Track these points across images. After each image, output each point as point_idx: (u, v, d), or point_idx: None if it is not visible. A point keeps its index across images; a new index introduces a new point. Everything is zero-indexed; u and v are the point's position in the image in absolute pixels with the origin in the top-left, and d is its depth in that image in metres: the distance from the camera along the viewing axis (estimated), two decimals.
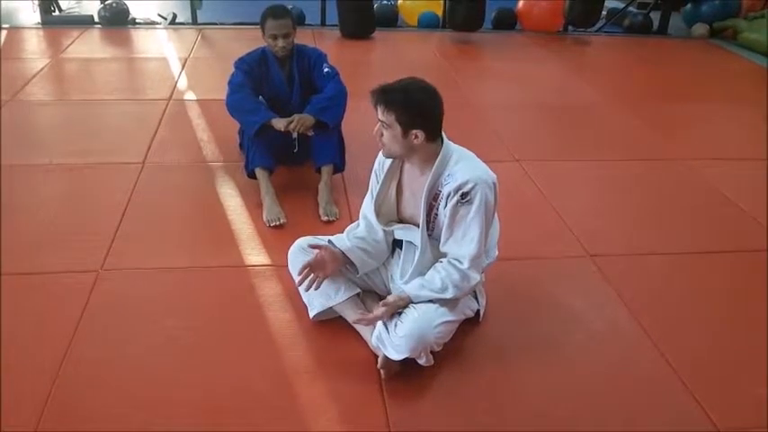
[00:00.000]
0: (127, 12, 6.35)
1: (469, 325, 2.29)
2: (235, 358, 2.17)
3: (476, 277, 2.09)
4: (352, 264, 2.23)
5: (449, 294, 2.07)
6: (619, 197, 3.44)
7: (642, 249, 2.91)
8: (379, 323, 2.09)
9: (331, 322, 2.29)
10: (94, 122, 4.05)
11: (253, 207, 3.06)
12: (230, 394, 2.02)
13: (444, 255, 2.13)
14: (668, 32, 7.03)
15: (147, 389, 2.02)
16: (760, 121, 4.53)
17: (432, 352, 2.08)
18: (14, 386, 2.00)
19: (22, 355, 2.13)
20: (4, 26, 6.07)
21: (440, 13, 6.71)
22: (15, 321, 2.27)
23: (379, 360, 2.07)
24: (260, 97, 3.30)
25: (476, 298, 2.29)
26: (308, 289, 2.18)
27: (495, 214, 2.17)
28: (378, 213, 2.25)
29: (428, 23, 6.81)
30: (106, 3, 6.29)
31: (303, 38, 4.04)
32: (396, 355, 2.02)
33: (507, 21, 6.89)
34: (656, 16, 7.07)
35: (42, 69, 4.96)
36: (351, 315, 2.23)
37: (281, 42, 3.14)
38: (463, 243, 2.05)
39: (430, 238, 2.16)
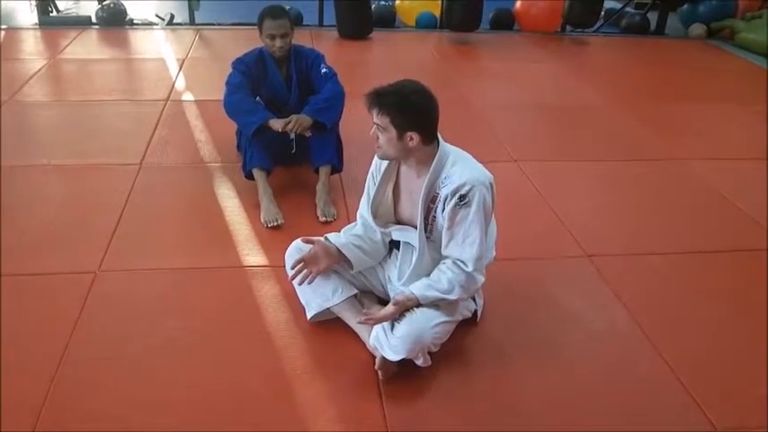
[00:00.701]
0: (124, 12, 6.35)
1: (467, 325, 2.29)
2: (232, 359, 2.17)
3: (481, 279, 2.10)
4: (347, 261, 2.23)
5: (454, 296, 2.07)
6: (617, 197, 3.44)
7: (640, 249, 2.91)
8: (377, 324, 2.09)
9: (329, 323, 2.28)
10: (92, 123, 4.04)
11: (250, 208, 3.06)
12: (228, 395, 2.01)
13: (442, 256, 2.13)
14: (665, 33, 7.04)
15: (145, 389, 2.02)
16: (758, 120, 4.54)
17: (429, 353, 2.08)
18: (12, 387, 1.99)
19: (20, 355, 2.12)
20: (2, 27, 6.06)
21: (437, 13, 6.71)
22: (13, 322, 2.27)
23: (377, 361, 2.07)
24: (257, 98, 3.30)
25: (473, 298, 2.30)
26: (300, 283, 2.18)
27: (493, 215, 2.17)
28: (375, 215, 2.25)
29: (426, 24, 6.82)
30: (104, 3, 6.28)
31: (301, 38, 4.05)
32: (393, 356, 2.02)
33: (505, 21, 6.90)
34: (653, 17, 7.08)
35: (40, 70, 4.95)
36: (348, 316, 2.23)
37: (278, 42, 3.14)
38: (465, 246, 2.05)
39: (428, 240, 2.16)
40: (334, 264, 2.22)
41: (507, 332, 2.34)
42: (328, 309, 2.25)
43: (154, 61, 5.35)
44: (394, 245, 2.29)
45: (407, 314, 2.05)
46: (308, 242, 2.21)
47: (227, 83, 3.22)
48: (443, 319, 2.09)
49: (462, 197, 2.01)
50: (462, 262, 2.07)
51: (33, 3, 6.26)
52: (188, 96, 4.54)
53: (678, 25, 7.24)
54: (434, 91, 2.03)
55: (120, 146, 3.69)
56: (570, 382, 2.13)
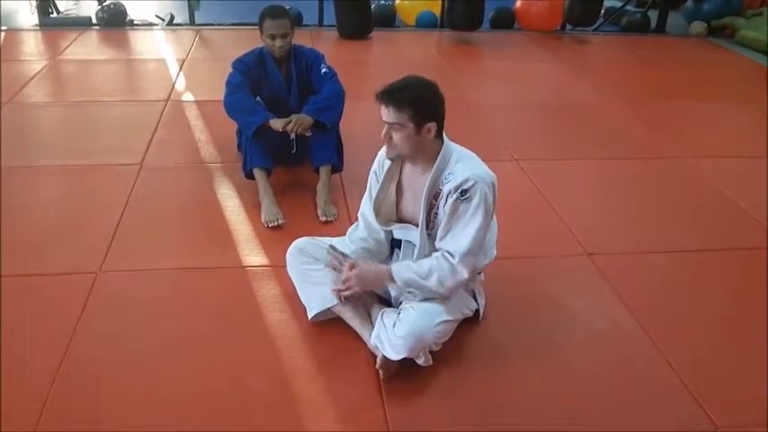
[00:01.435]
0: (124, 13, 6.35)
1: (468, 324, 2.29)
2: (233, 359, 2.17)
3: (464, 273, 2.06)
4: None
5: (432, 283, 2.05)
6: (617, 196, 3.44)
7: (641, 248, 2.91)
8: (378, 323, 2.09)
9: (329, 323, 2.29)
10: (93, 124, 4.04)
11: (251, 208, 3.06)
12: (228, 394, 2.02)
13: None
14: (666, 31, 7.03)
15: (146, 389, 2.02)
16: (758, 118, 4.53)
17: (430, 352, 2.08)
18: (13, 387, 2.00)
19: (22, 355, 2.13)
20: (2, 28, 6.07)
21: (438, 12, 6.71)
22: (15, 322, 2.27)
23: (378, 360, 2.07)
24: (258, 98, 3.30)
25: (475, 298, 2.30)
26: (343, 300, 2.18)
27: (494, 215, 2.17)
28: (377, 213, 2.25)
29: (426, 23, 6.81)
30: (104, 4, 6.29)
31: (301, 38, 4.04)
32: (394, 355, 2.02)
33: (505, 20, 6.89)
34: (653, 15, 7.07)
35: (41, 71, 4.95)
36: (349, 316, 2.24)
37: (279, 42, 3.14)
38: (458, 239, 2.04)
39: (429, 237, 2.15)
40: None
41: (507, 331, 2.34)
42: (329, 309, 2.25)
43: (154, 62, 5.35)
44: (395, 244, 2.29)
45: (409, 313, 2.05)
46: (336, 260, 2.20)
47: (228, 83, 3.22)
48: (445, 318, 2.09)
49: (464, 192, 2.00)
50: (450, 254, 2.06)
51: (33, 4, 6.26)
52: (188, 96, 4.54)
53: (679, 23, 7.22)
54: None
55: (120, 146, 3.69)
56: (570, 382, 2.13)
